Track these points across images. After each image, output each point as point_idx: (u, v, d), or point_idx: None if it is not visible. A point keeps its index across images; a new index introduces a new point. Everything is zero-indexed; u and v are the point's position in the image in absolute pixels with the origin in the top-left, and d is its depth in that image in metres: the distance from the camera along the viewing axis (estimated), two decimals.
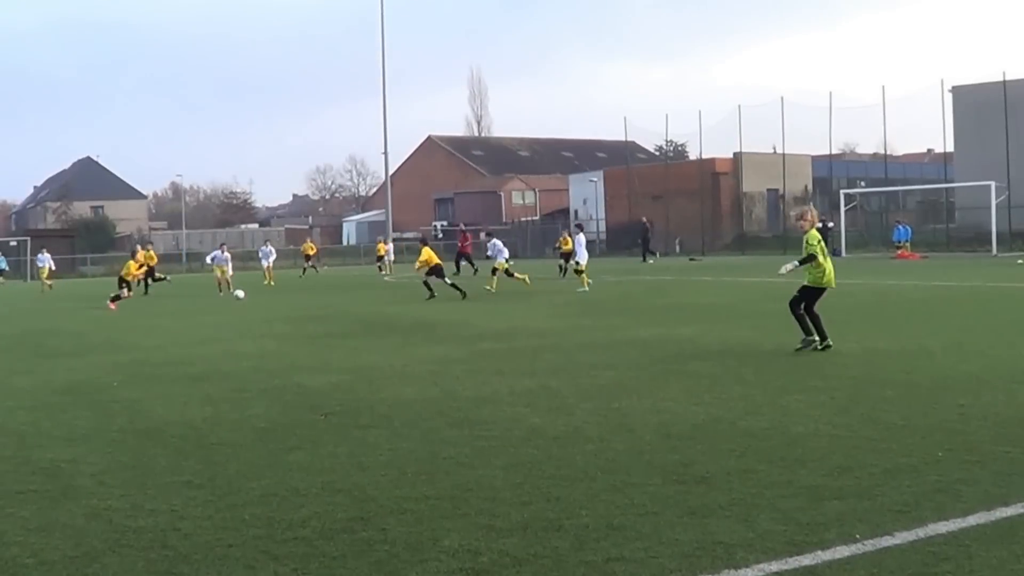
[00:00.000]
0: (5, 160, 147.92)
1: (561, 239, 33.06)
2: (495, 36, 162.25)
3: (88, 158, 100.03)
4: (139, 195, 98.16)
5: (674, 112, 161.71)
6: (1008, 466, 5.80)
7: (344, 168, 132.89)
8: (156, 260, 33.82)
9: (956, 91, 49.19)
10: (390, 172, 66.67)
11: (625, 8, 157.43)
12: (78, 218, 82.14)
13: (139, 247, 29.25)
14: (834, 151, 59.52)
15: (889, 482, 5.50)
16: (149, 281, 30.88)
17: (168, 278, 33.58)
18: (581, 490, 5.59)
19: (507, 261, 26.44)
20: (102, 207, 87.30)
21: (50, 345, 15.68)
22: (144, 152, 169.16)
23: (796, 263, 11.92)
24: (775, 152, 58.64)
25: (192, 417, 8.40)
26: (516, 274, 25.77)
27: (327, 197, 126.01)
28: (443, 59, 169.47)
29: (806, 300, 11.41)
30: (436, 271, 23.56)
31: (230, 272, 31.87)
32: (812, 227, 11.59)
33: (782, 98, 56.82)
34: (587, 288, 24.44)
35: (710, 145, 70.96)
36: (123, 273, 25.72)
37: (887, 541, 4.50)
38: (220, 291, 30.01)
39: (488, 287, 24.79)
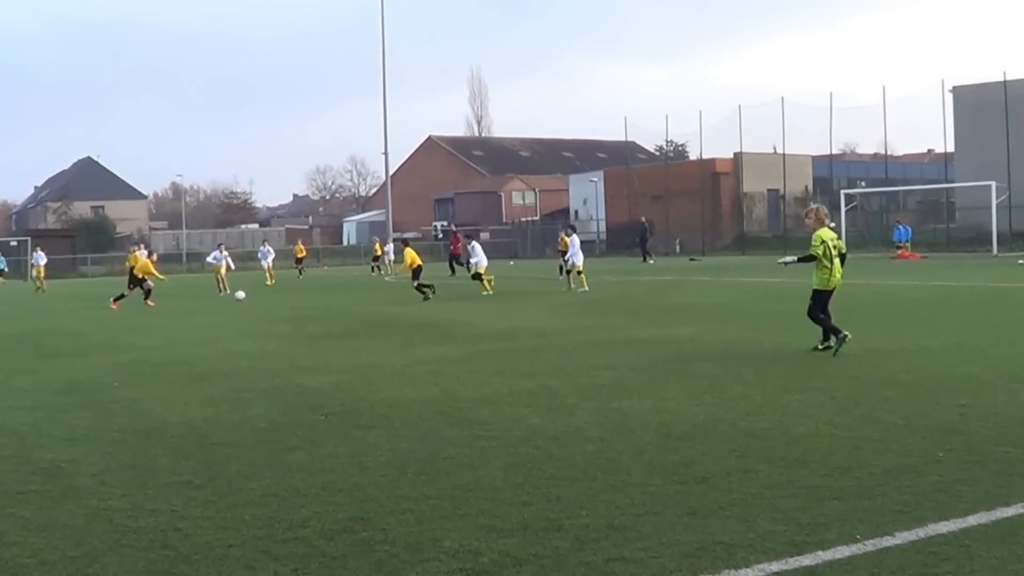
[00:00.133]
0: (5, 160, 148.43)
1: (560, 241, 33.02)
2: (495, 36, 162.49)
3: (88, 158, 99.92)
4: (139, 195, 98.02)
5: (674, 112, 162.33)
6: (1008, 466, 5.80)
7: (344, 168, 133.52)
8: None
9: (956, 91, 49.13)
10: (390, 172, 66.63)
11: (625, 8, 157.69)
12: (78, 218, 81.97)
13: (139, 247, 29.18)
14: (834, 151, 59.59)
15: (889, 482, 5.50)
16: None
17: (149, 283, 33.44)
18: (581, 490, 5.58)
19: (477, 266, 26.18)
20: (102, 207, 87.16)
21: (50, 345, 15.68)
22: (144, 152, 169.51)
23: (795, 258, 11.93)
24: (775, 152, 58.60)
25: (192, 417, 8.40)
26: (483, 279, 25.55)
27: (327, 197, 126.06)
28: (443, 59, 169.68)
29: (821, 304, 11.25)
30: (416, 272, 24.01)
31: (223, 271, 31.64)
32: (822, 226, 11.38)
33: (782, 98, 57.01)
34: (587, 288, 24.48)
35: (710, 145, 71.20)
36: (136, 271, 25.55)
37: (887, 541, 4.50)
38: (220, 291, 30.04)
39: (484, 291, 24.76)
